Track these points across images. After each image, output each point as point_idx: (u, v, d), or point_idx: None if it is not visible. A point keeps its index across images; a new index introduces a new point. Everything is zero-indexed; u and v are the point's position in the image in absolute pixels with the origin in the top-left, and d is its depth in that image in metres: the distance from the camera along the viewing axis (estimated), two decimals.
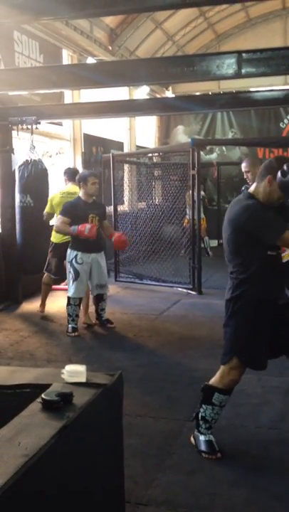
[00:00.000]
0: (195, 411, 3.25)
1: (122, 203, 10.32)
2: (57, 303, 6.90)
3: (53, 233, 6.26)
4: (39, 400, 1.69)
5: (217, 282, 8.34)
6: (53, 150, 9.43)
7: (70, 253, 5.62)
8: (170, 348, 5.10)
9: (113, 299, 7.57)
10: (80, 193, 5.70)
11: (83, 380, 1.86)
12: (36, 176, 6.38)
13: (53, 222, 6.19)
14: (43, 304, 6.53)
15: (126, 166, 10.31)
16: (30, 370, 2.08)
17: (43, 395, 1.69)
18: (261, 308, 3.04)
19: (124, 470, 2.07)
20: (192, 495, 2.79)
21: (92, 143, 10.51)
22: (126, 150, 12.34)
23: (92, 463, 1.73)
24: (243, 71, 5.61)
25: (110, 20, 11.07)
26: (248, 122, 13.73)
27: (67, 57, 9.99)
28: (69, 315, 5.72)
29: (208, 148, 13.54)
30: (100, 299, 5.91)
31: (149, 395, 4.11)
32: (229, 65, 5.64)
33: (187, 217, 9.49)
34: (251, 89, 9.86)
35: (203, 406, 3.17)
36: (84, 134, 10.24)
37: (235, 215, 3.02)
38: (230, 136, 13.87)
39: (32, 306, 6.97)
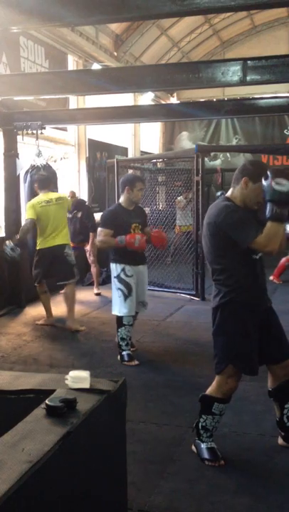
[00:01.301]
0: (195, 421, 3.23)
1: None
2: (60, 307, 6.90)
3: (41, 240, 6.04)
4: (43, 405, 1.69)
5: None
6: (58, 155, 9.46)
7: (116, 267, 4.96)
8: (173, 354, 5.09)
9: None
10: (121, 199, 5.06)
11: (87, 386, 1.86)
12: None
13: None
14: (49, 313, 6.32)
15: (130, 172, 10.33)
16: (34, 376, 2.08)
17: (46, 401, 1.69)
18: (250, 314, 3.03)
19: (126, 476, 2.06)
20: (194, 502, 2.78)
21: (96, 148, 10.54)
22: (130, 155, 12.37)
23: (95, 469, 1.73)
24: (248, 78, 5.63)
25: (116, 27, 11.12)
26: (253, 129, 13.76)
27: (72, 63, 10.03)
28: (122, 339, 4.95)
29: (212, 154, 13.56)
30: (135, 318, 5.22)
31: (151, 401, 4.10)
32: (234, 72, 5.66)
33: (178, 223, 9.51)
34: (256, 96, 9.89)
35: (203, 416, 3.15)
36: (88, 139, 10.27)
37: (212, 218, 3.00)
38: (234, 142, 13.90)
39: (35, 310, 6.97)
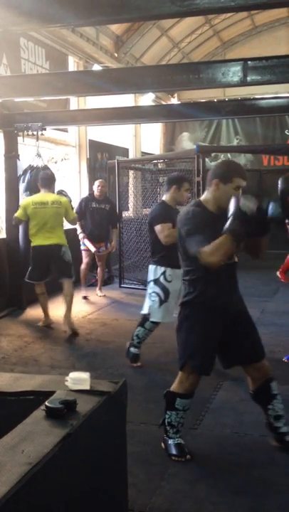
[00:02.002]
0: (161, 417, 3.29)
1: (127, 209, 10.32)
2: (61, 308, 6.89)
3: (34, 238, 6.03)
4: (43, 407, 1.69)
5: None
6: (59, 156, 9.46)
7: (156, 269, 4.76)
8: (174, 355, 5.04)
9: (117, 305, 7.58)
10: (166, 197, 4.82)
11: (87, 387, 1.86)
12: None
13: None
14: (46, 314, 6.29)
15: (131, 172, 10.34)
16: (34, 377, 2.07)
17: (46, 403, 1.69)
18: (210, 314, 3.06)
19: (127, 478, 2.06)
20: (195, 503, 2.78)
21: (97, 149, 10.55)
22: (131, 156, 12.37)
23: (96, 471, 1.72)
24: (249, 79, 5.63)
25: (116, 28, 11.13)
26: (253, 129, 13.76)
27: (73, 64, 10.04)
28: (138, 337, 4.88)
29: (213, 155, 13.54)
30: None
31: (153, 402, 4.09)
32: (235, 72, 5.66)
33: None
34: (256, 97, 9.88)
35: (168, 412, 3.21)
36: (89, 140, 10.27)
37: (178, 222, 3.06)
38: (235, 143, 13.90)
39: (36, 312, 6.97)
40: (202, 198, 3.09)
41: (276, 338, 5.60)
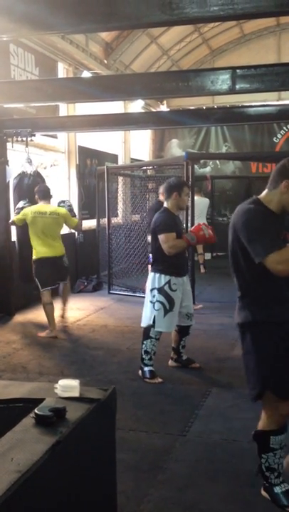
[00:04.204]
0: (257, 465, 2.84)
1: (116, 215, 10.33)
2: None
3: (38, 250, 6.15)
4: (32, 414, 1.69)
5: (211, 295, 8.36)
6: (48, 162, 9.45)
7: (160, 278, 4.66)
8: (164, 361, 5.09)
9: (106, 311, 7.58)
10: (168, 204, 4.74)
11: (76, 394, 1.86)
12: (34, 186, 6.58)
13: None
14: (52, 325, 6.18)
15: (120, 179, 10.35)
16: (23, 385, 2.07)
17: (36, 410, 1.69)
18: (279, 332, 2.64)
19: (116, 485, 2.06)
20: (184, 510, 2.78)
21: (86, 155, 10.55)
22: (120, 162, 12.39)
23: (85, 478, 1.72)
24: (237, 87, 5.69)
25: (106, 35, 11.16)
26: (242, 136, 13.82)
27: (62, 71, 10.05)
28: (146, 352, 4.68)
29: (202, 161, 13.60)
30: (185, 332, 4.98)
31: (142, 408, 4.09)
32: (223, 80, 5.72)
33: None
34: (245, 104, 9.95)
35: (263, 456, 2.75)
36: (79, 146, 10.27)
37: (235, 221, 2.64)
38: (224, 150, 13.95)
39: (24, 318, 6.95)
40: (262, 196, 2.69)
41: None
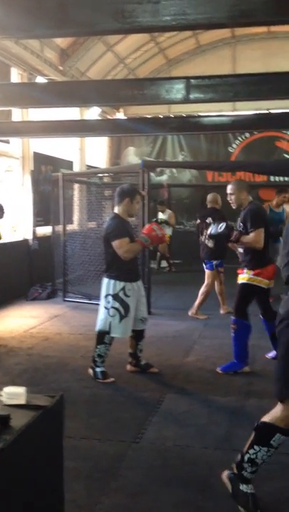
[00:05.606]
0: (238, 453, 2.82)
1: (72, 222, 10.26)
2: (3, 323, 6.76)
3: None
4: None
5: (167, 303, 8.39)
6: (1, 168, 9.31)
7: (115, 284, 4.69)
8: (118, 369, 5.07)
9: (60, 319, 7.49)
10: (119, 210, 4.79)
11: (23, 402, 1.82)
12: None
13: None
14: None
15: (76, 186, 10.29)
16: None
17: None
18: None
19: (64, 494, 2.02)
20: None
21: (41, 161, 10.44)
22: (76, 169, 12.32)
23: (31, 486, 1.69)
24: (192, 96, 5.76)
25: (61, 41, 11.11)
26: (198, 146, 14.00)
27: (16, 76, 9.93)
28: (99, 356, 4.78)
29: (158, 170, 13.70)
30: (140, 336, 5.00)
31: (95, 416, 4.06)
32: (178, 89, 5.78)
33: None
34: (201, 114, 10.10)
35: (255, 447, 2.69)
36: (34, 152, 10.16)
37: None
38: (180, 158, 14.09)
39: None
40: None
41: (219, 350, 5.69)
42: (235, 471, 2.77)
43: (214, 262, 7.27)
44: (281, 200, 8.27)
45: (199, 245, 7.51)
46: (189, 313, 7.40)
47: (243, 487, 2.74)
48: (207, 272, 7.36)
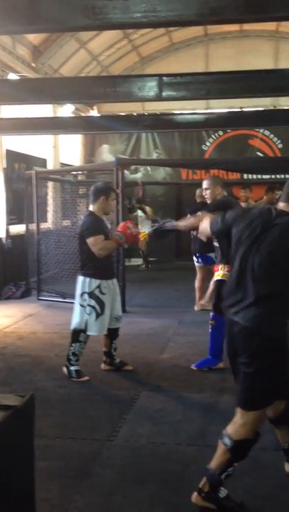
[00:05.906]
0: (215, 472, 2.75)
1: (46, 220, 10.18)
2: None
3: None
4: None
5: (142, 300, 8.40)
6: None
7: (90, 282, 4.67)
8: (92, 367, 5.05)
9: (35, 318, 7.44)
10: (94, 208, 4.79)
11: None
12: None
13: None
14: None
15: (50, 184, 10.22)
16: None
17: None
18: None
19: (35, 493, 2.01)
20: None
21: (14, 159, 10.33)
22: (50, 167, 12.22)
23: (0, 486, 1.67)
24: (164, 94, 5.77)
25: (33, 38, 11.00)
26: (172, 144, 14.03)
27: None
28: (74, 354, 4.77)
29: (133, 167, 13.70)
30: (115, 334, 4.99)
31: (69, 415, 4.04)
32: (150, 87, 5.79)
33: None
34: (174, 112, 10.12)
35: (235, 465, 2.70)
36: (6, 149, 10.05)
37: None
38: (154, 156, 14.09)
39: None
40: None
41: (193, 347, 5.71)
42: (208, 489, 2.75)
43: (211, 255, 7.06)
44: (270, 198, 7.71)
45: (191, 240, 7.61)
46: (196, 307, 7.48)
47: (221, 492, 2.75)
48: (198, 265, 7.46)
